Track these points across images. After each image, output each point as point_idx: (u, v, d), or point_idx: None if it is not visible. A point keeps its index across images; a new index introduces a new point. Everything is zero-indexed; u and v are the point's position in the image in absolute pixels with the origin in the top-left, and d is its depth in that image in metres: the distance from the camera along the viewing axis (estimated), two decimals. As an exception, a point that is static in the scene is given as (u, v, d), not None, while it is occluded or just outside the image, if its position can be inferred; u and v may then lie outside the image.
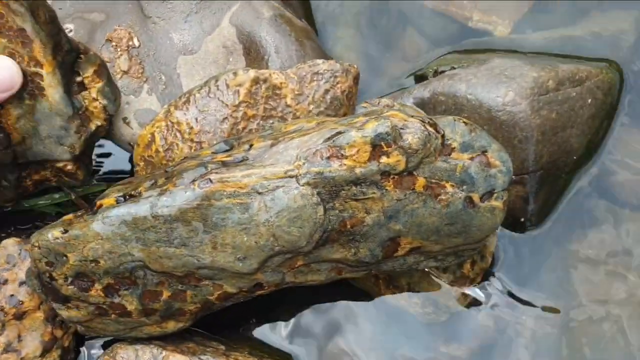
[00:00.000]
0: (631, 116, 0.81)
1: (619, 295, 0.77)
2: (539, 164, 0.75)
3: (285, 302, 0.78)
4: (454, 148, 0.66)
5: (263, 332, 0.78)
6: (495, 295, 0.77)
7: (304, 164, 0.64)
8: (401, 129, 0.64)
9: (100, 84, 0.73)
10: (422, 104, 0.78)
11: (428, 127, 0.65)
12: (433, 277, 0.77)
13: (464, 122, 0.67)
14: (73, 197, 0.78)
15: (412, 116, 0.65)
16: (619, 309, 0.76)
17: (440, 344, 0.77)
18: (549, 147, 0.75)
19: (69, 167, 0.73)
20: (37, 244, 0.64)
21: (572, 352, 0.76)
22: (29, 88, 0.68)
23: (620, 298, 0.77)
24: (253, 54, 0.78)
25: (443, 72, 0.80)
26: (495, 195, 0.67)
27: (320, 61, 0.73)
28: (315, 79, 0.73)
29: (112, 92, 0.74)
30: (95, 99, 0.73)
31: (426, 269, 0.76)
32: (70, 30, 0.78)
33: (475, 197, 0.66)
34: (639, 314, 0.76)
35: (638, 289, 0.77)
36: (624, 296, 0.77)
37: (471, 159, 0.66)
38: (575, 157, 0.78)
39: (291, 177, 0.64)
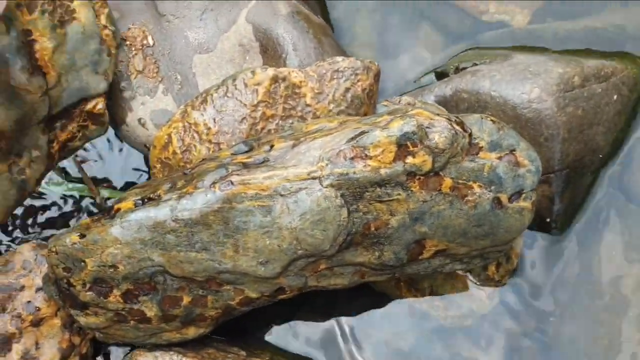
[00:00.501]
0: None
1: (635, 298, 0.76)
2: (565, 163, 0.73)
3: (305, 306, 0.77)
4: (482, 147, 0.64)
5: (283, 337, 0.76)
6: (521, 298, 0.75)
7: (327, 165, 0.62)
8: (427, 128, 0.62)
9: (107, 10, 0.73)
10: (444, 102, 0.76)
11: (455, 125, 0.63)
12: (457, 280, 0.75)
13: (491, 120, 0.65)
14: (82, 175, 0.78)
15: (438, 115, 0.64)
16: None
17: (464, 348, 0.76)
18: (575, 145, 0.74)
19: (99, 106, 0.72)
20: (54, 249, 0.63)
21: (598, 351, 0.75)
22: (58, 13, 0.68)
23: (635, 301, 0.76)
24: (270, 52, 0.76)
25: (464, 68, 0.78)
26: (524, 195, 0.65)
27: (340, 59, 0.71)
28: (335, 77, 0.71)
29: (114, 21, 0.74)
30: (105, 26, 0.72)
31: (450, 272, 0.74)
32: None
33: (504, 198, 0.65)
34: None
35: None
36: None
37: (499, 158, 0.65)
38: (601, 155, 0.76)
39: (314, 178, 0.62)
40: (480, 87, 0.74)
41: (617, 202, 0.78)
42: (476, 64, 0.78)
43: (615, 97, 0.76)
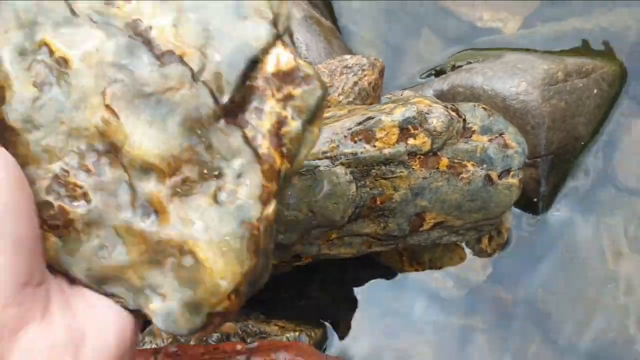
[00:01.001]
0: (632, 106, 0.88)
1: (615, 269, 0.84)
2: (550, 149, 0.82)
3: (315, 279, 0.85)
4: (474, 131, 0.73)
5: (297, 307, 0.85)
6: (511, 269, 0.83)
7: (337, 146, 0.71)
8: (426, 113, 0.71)
9: None
10: (441, 96, 0.85)
11: (451, 112, 0.72)
12: (454, 253, 0.84)
13: (482, 107, 0.74)
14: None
15: (436, 102, 0.73)
16: (616, 281, 0.83)
17: (460, 315, 0.84)
18: (558, 134, 0.82)
19: (283, 59, 0.48)
20: None
21: (583, 322, 0.83)
22: None
23: (614, 272, 0.84)
24: (286, 51, 0.85)
25: (460, 66, 0.87)
26: (512, 173, 0.74)
27: (348, 56, 0.80)
28: (344, 72, 0.80)
29: None
30: None
31: (448, 244, 0.83)
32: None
33: (494, 175, 0.73)
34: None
35: (628, 265, 0.84)
36: (617, 269, 0.84)
37: (490, 140, 0.73)
38: (582, 143, 0.85)
39: (327, 157, 0.71)
40: (474, 82, 0.83)
41: (596, 185, 0.87)
42: (470, 63, 0.87)
43: (595, 91, 0.85)
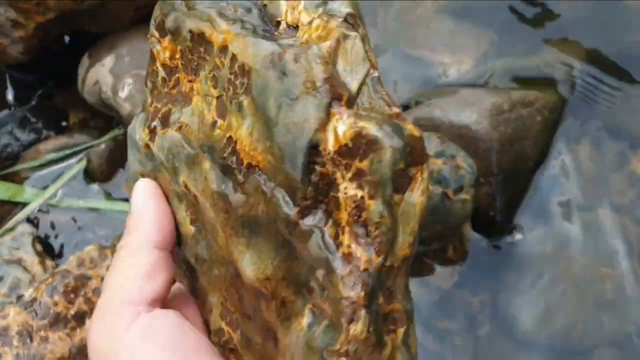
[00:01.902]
0: (572, 130, 1.03)
1: (566, 269, 0.97)
2: (501, 168, 0.96)
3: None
4: (431, 156, 0.87)
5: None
6: (475, 275, 0.97)
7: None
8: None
9: None
10: (407, 128, 0.99)
11: (410, 140, 0.86)
12: (424, 264, 0.97)
13: (437, 136, 0.88)
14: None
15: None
16: (565, 281, 0.96)
17: (436, 319, 0.97)
18: (508, 155, 0.96)
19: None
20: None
21: (541, 319, 0.95)
22: None
23: (567, 273, 0.97)
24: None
25: (422, 102, 1.02)
26: (464, 190, 0.87)
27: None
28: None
29: None
30: None
31: (417, 257, 0.96)
32: (130, 84, 1.01)
33: (450, 192, 0.87)
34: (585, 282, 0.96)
35: (580, 265, 0.97)
36: (571, 271, 0.97)
37: (444, 163, 0.87)
38: (530, 163, 0.99)
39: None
40: (434, 115, 0.98)
41: (544, 199, 1.00)
42: (430, 99, 1.02)
43: (538, 118, 0.99)
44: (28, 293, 0.89)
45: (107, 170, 1.06)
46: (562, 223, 0.99)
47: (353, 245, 0.35)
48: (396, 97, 1.08)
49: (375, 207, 0.35)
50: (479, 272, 0.98)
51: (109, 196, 1.06)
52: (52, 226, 1.05)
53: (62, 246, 1.03)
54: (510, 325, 0.96)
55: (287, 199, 0.36)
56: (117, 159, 1.06)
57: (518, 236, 0.99)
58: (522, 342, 0.96)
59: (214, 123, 0.40)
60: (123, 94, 1.00)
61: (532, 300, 0.96)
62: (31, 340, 0.87)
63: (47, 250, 1.02)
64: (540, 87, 1.04)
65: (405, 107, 1.05)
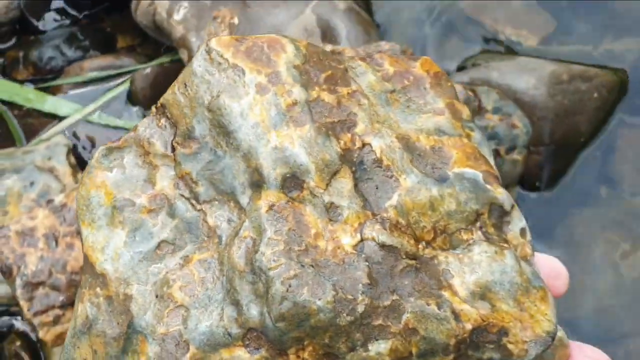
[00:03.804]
0: (628, 114, 1.00)
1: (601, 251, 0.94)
2: (552, 139, 0.94)
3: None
4: (488, 110, 0.85)
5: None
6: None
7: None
8: (448, 90, 0.83)
9: None
10: (460, 88, 0.97)
11: (469, 92, 0.83)
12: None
13: (496, 92, 0.86)
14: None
15: (456, 83, 0.84)
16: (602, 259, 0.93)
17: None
18: (561, 127, 0.94)
19: None
20: None
21: (572, 297, 0.93)
22: None
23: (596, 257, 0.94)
24: (328, 37, 0.98)
25: (479, 64, 1.00)
26: (517, 150, 0.85)
27: (383, 42, 0.93)
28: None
29: None
30: None
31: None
32: (185, 7, 0.99)
33: (502, 150, 0.85)
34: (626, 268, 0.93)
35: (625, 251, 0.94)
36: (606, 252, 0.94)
37: (500, 120, 0.85)
38: (582, 139, 0.97)
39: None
40: (490, 77, 0.95)
41: (591, 179, 0.98)
42: (487, 62, 0.99)
43: (595, 94, 0.96)
44: (58, 198, 0.87)
45: (149, 95, 1.04)
46: (607, 205, 0.96)
47: None
48: (452, 58, 1.06)
49: None
50: (516, 243, 0.95)
51: (148, 120, 1.04)
52: (88, 142, 1.03)
53: (95, 163, 1.01)
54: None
55: None
56: (161, 84, 1.04)
57: (560, 213, 0.96)
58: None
59: None
60: (178, 16, 0.98)
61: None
62: (56, 245, 0.85)
63: (81, 164, 1.00)
64: (601, 67, 1.01)
65: (461, 68, 1.02)
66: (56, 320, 0.83)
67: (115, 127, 1.03)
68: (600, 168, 0.98)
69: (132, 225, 0.45)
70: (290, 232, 0.40)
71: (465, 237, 0.42)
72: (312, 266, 0.40)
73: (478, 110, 0.84)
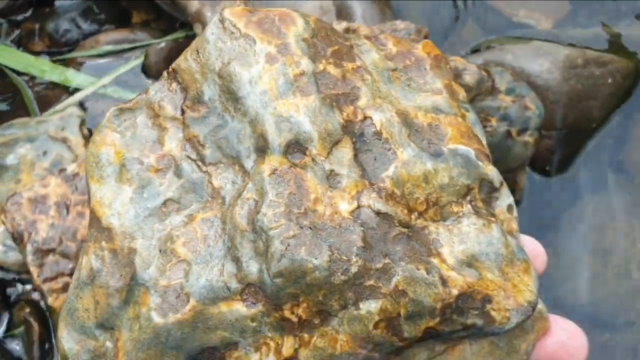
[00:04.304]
0: (642, 101, 1.00)
1: (610, 242, 0.94)
2: (564, 124, 0.93)
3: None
4: (501, 91, 0.85)
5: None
6: (523, 224, 0.94)
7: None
8: (462, 70, 0.83)
9: None
10: (474, 70, 0.97)
11: (482, 72, 0.83)
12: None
13: (510, 73, 0.85)
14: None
15: (470, 63, 0.84)
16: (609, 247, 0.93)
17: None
18: (574, 112, 0.94)
19: None
20: None
21: (577, 285, 0.93)
22: None
23: (610, 245, 0.94)
24: (343, 16, 0.98)
25: (493, 47, 0.99)
26: (528, 132, 0.85)
27: (398, 21, 0.92)
28: (393, 33, 0.92)
29: None
30: None
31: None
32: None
33: (514, 132, 0.84)
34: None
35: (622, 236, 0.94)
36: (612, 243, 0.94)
37: (513, 101, 0.85)
38: (594, 125, 0.96)
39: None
40: (504, 59, 0.95)
41: (601, 165, 0.97)
42: (502, 44, 0.99)
43: (610, 80, 0.96)
44: (71, 168, 0.88)
45: (163, 68, 1.05)
46: (617, 192, 0.96)
47: None
48: (467, 42, 1.06)
49: None
50: (525, 225, 0.95)
51: (161, 94, 1.05)
52: (102, 115, 1.04)
53: (107, 135, 1.02)
54: (544, 289, 0.94)
55: None
56: (175, 58, 1.05)
57: (570, 199, 0.96)
58: (559, 305, 0.93)
59: None
60: (193, -9, 0.98)
61: (570, 264, 0.94)
62: (67, 213, 0.86)
63: (93, 136, 1.01)
64: (616, 53, 1.01)
65: (475, 50, 1.02)
66: (65, 288, 0.84)
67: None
68: (611, 155, 0.98)
69: (139, 183, 0.47)
70: (291, 195, 0.42)
71: (455, 209, 0.45)
72: (310, 228, 0.41)
73: (491, 91, 0.83)
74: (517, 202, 0.94)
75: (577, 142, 0.96)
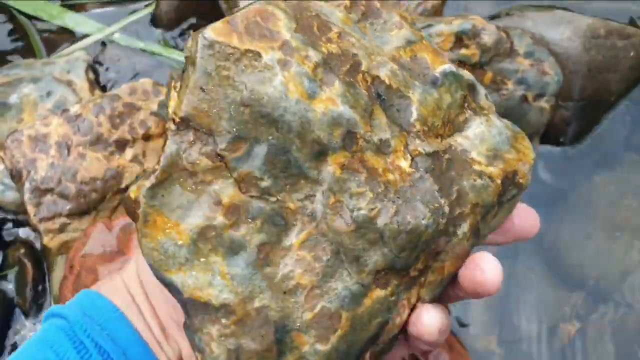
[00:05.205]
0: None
1: (621, 221, 0.92)
2: (582, 96, 0.91)
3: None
4: (519, 54, 0.82)
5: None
6: (533, 196, 0.91)
7: (397, 45, 0.80)
8: (481, 29, 0.80)
9: None
10: (492, 36, 0.94)
11: (501, 32, 0.81)
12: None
13: (530, 36, 0.83)
14: None
15: (490, 23, 0.82)
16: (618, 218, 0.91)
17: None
18: (593, 84, 0.91)
19: None
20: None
21: (586, 265, 0.90)
22: None
23: (622, 223, 0.91)
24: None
25: (513, 14, 0.97)
26: (545, 98, 0.82)
27: (418, -20, 0.90)
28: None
29: None
30: None
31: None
32: None
33: (530, 96, 0.82)
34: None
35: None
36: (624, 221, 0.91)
37: (531, 65, 0.82)
38: (612, 98, 0.94)
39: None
40: (524, 26, 0.92)
41: (617, 142, 0.95)
42: (522, 11, 0.96)
43: (632, 53, 0.93)
44: (74, 108, 0.86)
45: (174, 18, 1.02)
46: (630, 170, 0.94)
47: None
48: (486, 13, 1.03)
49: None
50: (534, 197, 0.93)
51: (169, 43, 1.03)
52: (109, 61, 1.02)
53: (114, 82, 1.00)
54: (551, 259, 0.91)
55: None
56: (186, 8, 1.02)
57: (581, 175, 0.93)
58: (564, 281, 0.91)
59: None
60: (210, -62, 0.96)
61: (581, 245, 0.91)
62: (68, 154, 0.84)
63: (99, 82, 0.99)
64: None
65: (494, 17, 0.99)
66: (62, 229, 0.82)
67: (137, 49, 1.02)
68: (628, 131, 0.95)
69: (223, 247, 0.44)
70: (368, 180, 0.44)
71: (461, 119, 0.49)
72: (399, 197, 0.44)
73: (509, 53, 0.81)
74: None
75: (594, 115, 0.93)
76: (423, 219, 0.44)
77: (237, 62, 0.43)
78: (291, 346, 0.44)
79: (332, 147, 0.44)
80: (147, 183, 0.43)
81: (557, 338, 0.87)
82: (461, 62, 0.79)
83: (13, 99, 0.92)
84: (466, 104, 0.49)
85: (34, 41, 1.03)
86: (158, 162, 0.44)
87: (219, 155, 0.43)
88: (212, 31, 0.43)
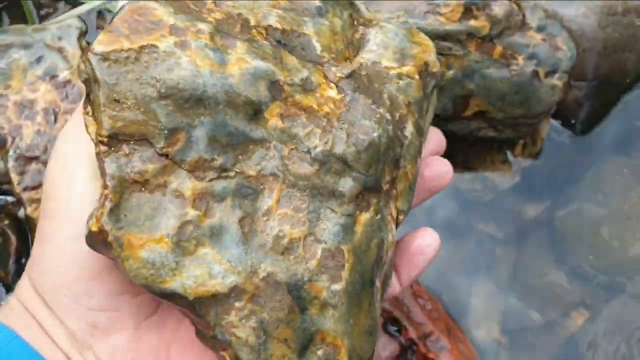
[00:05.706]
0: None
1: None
2: (596, 75, 0.86)
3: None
4: (531, 27, 0.78)
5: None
6: (539, 180, 0.87)
7: (403, 14, 0.76)
8: (491, 0, 0.76)
9: None
10: (503, 11, 0.90)
11: (513, 4, 0.76)
12: (486, 157, 0.88)
13: (543, 9, 0.78)
14: None
15: (501, -5, 0.77)
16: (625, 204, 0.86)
17: (480, 222, 0.88)
18: (608, 63, 0.87)
19: None
20: None
21: (598, 251, 0.86)
22: None
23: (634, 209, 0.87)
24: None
25: (526, -11, 0.92)
26: (557, 75, 0.78)
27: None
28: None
29: None
30: None
31: (481, 149, 0.87)
32: None
33: (541, 73, 0.78)
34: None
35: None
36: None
37: (543, 40, 0.78)
38: (628, 79, 0.89)
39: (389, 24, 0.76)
40: (537, 1, 0.88)
41: (630, 124, 0.91)
42: (536, -13, 0.92)
43: (649, 33, 0.89)
44: (63, 74, 0.82)
45: (172, -13, 0.98)
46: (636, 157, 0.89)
47: None
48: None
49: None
50: (543, 181, 0.88)
51: (168, 13, 0.99)
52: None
53: (108, 51, 0.96)
54: (559, 246, 0.87)
55: None
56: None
57: (594, 157, 0.89)
58: (571, 268, 0.87)
59: None
60: None
61: (591, 230, 0.87)
62: (55, 121, 0.80)
63: (92, 50, 0.95)
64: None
65: (506, -8, 0.95)
66: (47, 199, 0.79)
67: (133, 17, 0.98)
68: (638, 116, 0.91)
69: (207, 237, 0.44)
70: (309, 119, 0.46)
71: (357, 36, 0.52)
72: (343, 123, 0.47)
73: (520, 26, 0.77)
74: (537, 153, 0.87)
75: (607, 96, 0.89)
76: (374, 132, 0.47)
77: (136, 61, 0.42)
78: (310, 298, 0.45)
79: (264, 102, 0.45)
80: (105, 210, 0.42)
81: (564, 328, 0.83)
82: (470, 35, 0.75)
83: (1, 64, 0.88)
84: (355, 22, 0.53)
85: (27, 9, 0.99)
86: (105, 187, 0.42)
87: (161, 154, 0.43)
88: (99, 45, 0.42)
